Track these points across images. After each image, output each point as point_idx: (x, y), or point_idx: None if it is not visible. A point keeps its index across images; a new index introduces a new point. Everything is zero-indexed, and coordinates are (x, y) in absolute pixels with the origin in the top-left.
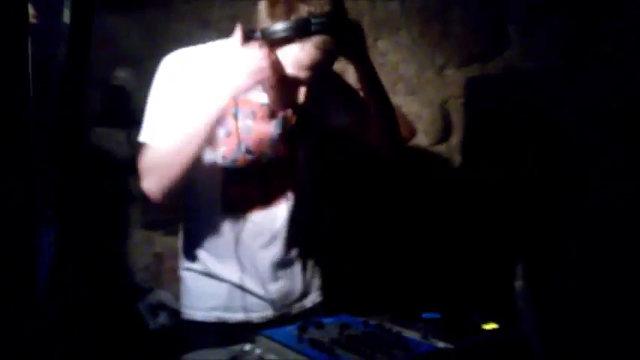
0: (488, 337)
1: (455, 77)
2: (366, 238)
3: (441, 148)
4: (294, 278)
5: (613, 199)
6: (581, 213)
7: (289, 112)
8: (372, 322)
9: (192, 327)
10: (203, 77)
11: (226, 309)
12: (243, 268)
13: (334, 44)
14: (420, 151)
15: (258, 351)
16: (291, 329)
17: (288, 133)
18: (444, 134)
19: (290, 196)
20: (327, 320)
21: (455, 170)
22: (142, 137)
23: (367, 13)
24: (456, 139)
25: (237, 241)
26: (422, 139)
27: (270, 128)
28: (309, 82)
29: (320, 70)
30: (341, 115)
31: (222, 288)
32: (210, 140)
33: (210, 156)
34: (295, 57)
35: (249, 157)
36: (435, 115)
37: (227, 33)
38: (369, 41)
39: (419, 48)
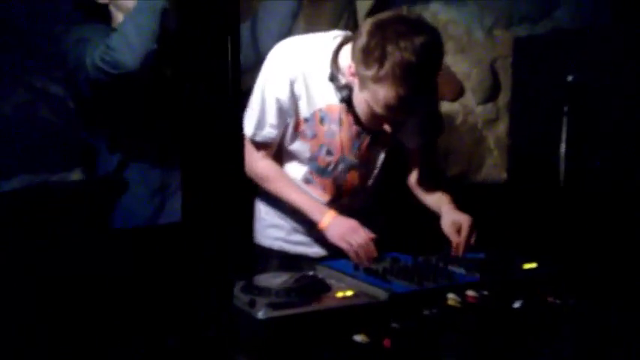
0: (527, 273)
1: (503, 37)
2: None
3: (489, 107)
4: None
5: None
6: None
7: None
8: (420, 258)
9: (260, 251)
10: (308, 91)
11: (287, 241)
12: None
13: (423, 96)
14: (468, 108)
15: (320, 276)
16: (347, 261)
17: (368, 143)
18: (492, 93)
19: (359, 191)
20: (379, 257)
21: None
22: (245, 131)
23: None
24: (503, 98)
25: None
26: (470, 98)
27: (353, 136)
28: (395, 120)
29: (409, 112)
30: (415, 139)
31: (287, 223)
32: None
33: (297, 146)
34: (386, 101)
35: (328, 158)
36: (483, 74)
37: None
38: (421, 2)
39: (468, 8)
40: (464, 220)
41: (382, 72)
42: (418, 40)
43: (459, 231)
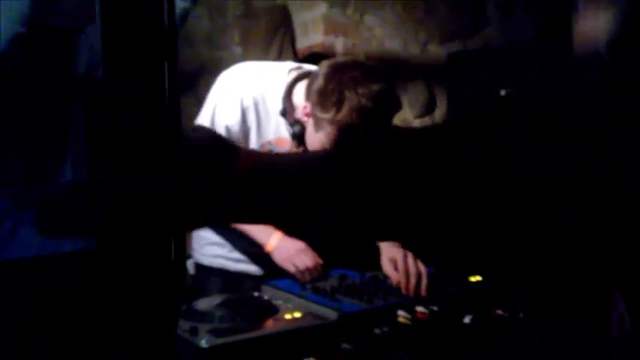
0: (474, 286)
1: (437, 53)
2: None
3: (426, 121)
4: None
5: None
6: None
7: None
8: (368, 274)
9: (199, 270)
10: (259, 122)
11: (228, 259)
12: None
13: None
14: (406, 122)
15: (265, 297)
16: (293, 280)
17: None
18: (429, 107)
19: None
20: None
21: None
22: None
23: None
24: (439, 112)
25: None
26: (407, 112)
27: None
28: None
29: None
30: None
31: (227, 240)
32: None
33: None
34: (336, 142)
35: None
36: (419, 88)
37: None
38: (356, 16)
39: (403, 24)
40: (399, 255)
41: (339, 115)
42: (375, 87)
43: (396, 268)
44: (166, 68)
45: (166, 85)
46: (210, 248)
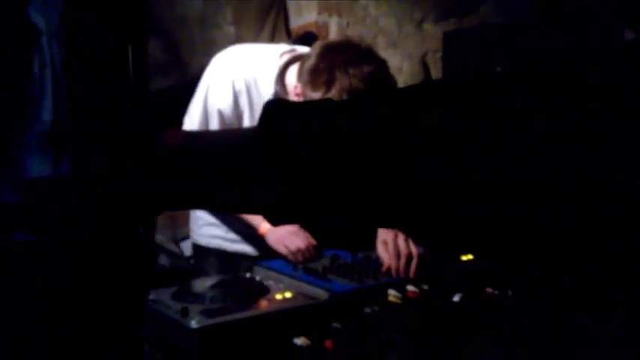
0: (464, 265)
1: (433, 31)
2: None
3: None
4: None
5: None
6: None
7: None
8: (360, 254)
9: (197, 251)
10: (252, 106)
11: (225, 239)
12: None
13: None
14: None
15: (257, 278)
16: (285, 260)
17: None
18: None
19: None
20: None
21: None
22: (185, 126)
23: None
24: None
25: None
26: None
27: None
28: None
29: None
30: None
31: (224, 220)
32: None
33: None
34: None
35: None
36: (414, 67)
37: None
38: None
39: (398, 2)
40: (389, 236)
41: (329, 95)
42: (367, 69)
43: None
44: (131, 51)
45: (131, 69)
46: (207, 229)
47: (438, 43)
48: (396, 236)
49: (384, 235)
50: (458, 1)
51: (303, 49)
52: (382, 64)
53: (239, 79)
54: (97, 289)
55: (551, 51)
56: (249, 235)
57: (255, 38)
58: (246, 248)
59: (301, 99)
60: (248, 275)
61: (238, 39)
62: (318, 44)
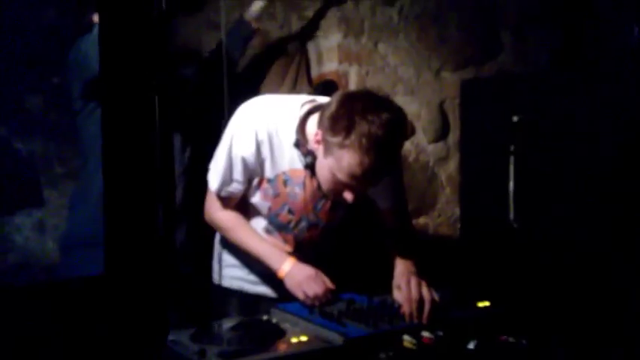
0: (480, 312)
1: (451, 79)
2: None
3: (440, 145)
4: None
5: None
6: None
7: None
8: (376, 298)
9: (219, 293)
10: (273, 155)
11: (246, 281)
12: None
13: (387, 166)
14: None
15: (274, 321)
16: (302, 304)
17: (330, 206)
18: (442, 132)
19: (319, 243)
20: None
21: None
22: (211, 184)
23: (367, 18)
24: (453, 137)
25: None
26: (421, 137)
27: (315, 200)
28: (357, 189)
29: (371, 183)
30: (379, 203)
31: (246, 262)
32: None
33: (259, 201)
34: (349, 169)
35: (290, 216)
36: (432, 114)
37: None
38: (370, 45)
39: (416, 51)
40: (403, 281)
41: (348, 140)
42: (385, 116)
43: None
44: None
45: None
46: (230, 270)
47: (456, 91)
48: (411, 281)
49: (399, 279)
50: (475, 49)
51: (322, 99)
52: (400, 111)
53: (262, 130)
54: None
55: (569, 100)
56: (270, 276)
57: (278, 87)
58: (266, 290)
59: (321, 145)
60: (265, 318)
61: (262, 87)
62: (338, 93)
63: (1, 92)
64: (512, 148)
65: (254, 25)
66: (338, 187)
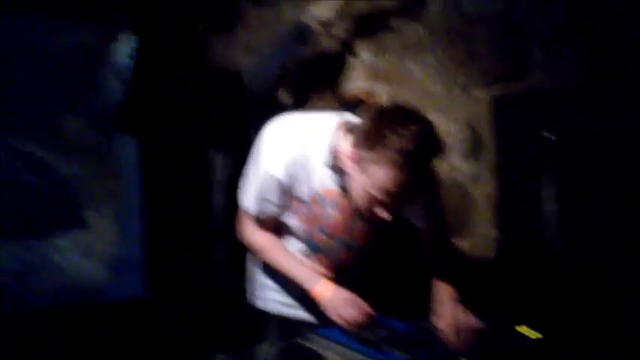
0: (518, 339)
1: (481, 96)
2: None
3: (472, 163)
4: None
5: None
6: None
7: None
8: (415, 323)
9: (254, 314)
10: (304, 174)
11: (283, 304)
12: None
13: (420, 179)
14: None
15: (312, 347)
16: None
17: (364, 227)
18: (474, 150)
19: (354, 266)
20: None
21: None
22: (243, 205)
23: (395, 34)
24: (485, 155)
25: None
26: (454, 157)
27: (349, 220)
28: (391, 207)
29: (405, 198)
30: (415, 222)
31: (283, 285)
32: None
33: (293, 222)
34: (383, 184)
35: (324, 237)
36: (463, 131)
37: None
38: (398, 61)
39: (444, 68)
40: (446, 308)
41: (379, 156)
42: (414, 128)
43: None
44: None
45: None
46: (266, 292)
47: (486, 108)
48: (450, 305)
49: (438, 304)
50: (505, 65)
51: (351, 117)
52: (429, 123)
53: (292, 149)
54: None
55: (603, 116)
56: (306, 299)
57: (307, 103)
58: (304, 314)
59: (354, 164)
60: (305, 343)
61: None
62: (368, 110)
63: (39, 113)
64: (546, 166)
65: (315, 29)
66: (373, 206)
